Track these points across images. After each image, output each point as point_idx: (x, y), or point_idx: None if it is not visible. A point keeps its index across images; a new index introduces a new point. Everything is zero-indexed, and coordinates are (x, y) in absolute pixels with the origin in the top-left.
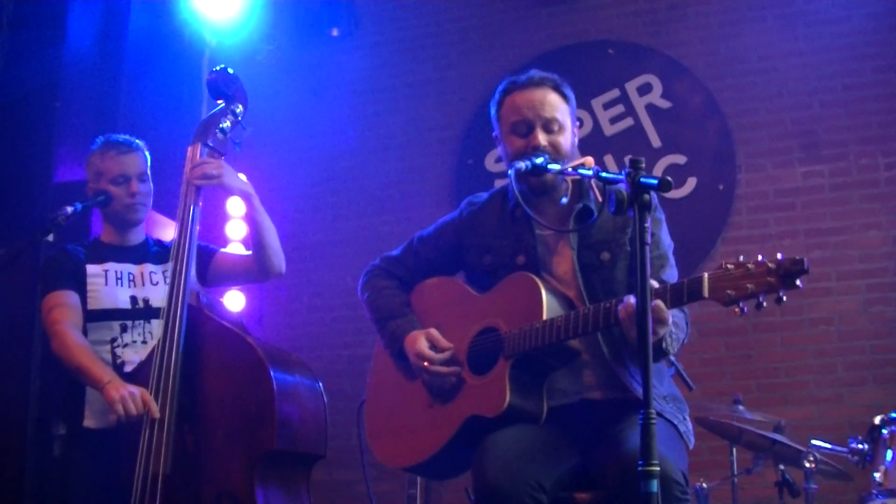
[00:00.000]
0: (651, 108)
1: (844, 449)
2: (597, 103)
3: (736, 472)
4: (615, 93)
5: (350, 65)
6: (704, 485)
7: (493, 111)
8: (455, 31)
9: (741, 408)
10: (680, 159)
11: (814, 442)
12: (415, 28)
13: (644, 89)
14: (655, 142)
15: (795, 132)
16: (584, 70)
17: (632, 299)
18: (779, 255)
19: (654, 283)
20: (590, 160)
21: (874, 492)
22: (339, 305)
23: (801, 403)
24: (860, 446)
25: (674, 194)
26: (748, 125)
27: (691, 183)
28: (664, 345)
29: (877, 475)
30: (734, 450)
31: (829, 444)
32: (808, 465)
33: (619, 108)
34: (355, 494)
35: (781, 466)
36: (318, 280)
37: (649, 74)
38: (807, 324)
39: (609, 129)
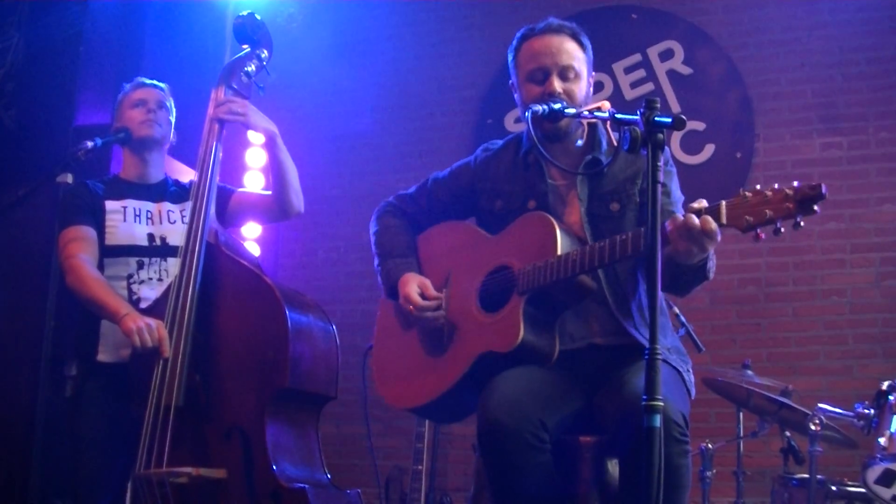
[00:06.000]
0: (672, 74)
1: (850, 413)
2: (618, 67)
3: (742, 436)
4: (637, 57)
5: (374, 22)
6: (710, 445)
7: (510, 57)
8: None
9: (749, 372)
10: (699, 126)
11: (820, 405)
12: None
13: (666, 55)
14: (675, 107)
15: (816, 104)
16: (607, 34)
17: (678, 217)
18: (795, 183)
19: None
20: (606, 104)
21: (878, 456)
22: (354, 261)
23: (810, 374)
24: (866, 411)
25: (691, 160)
26: (769, 95)
27: (709, 149)
28: (708, 266)
29: (881, 440)
30: (741, 414)
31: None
32: (813, 427)
33: (641, 73)
34: (363, 448)
35: (787, 433)
36: (333, 235)
37: (672, 41)
38: (819, 295)
39: (629, 94)
